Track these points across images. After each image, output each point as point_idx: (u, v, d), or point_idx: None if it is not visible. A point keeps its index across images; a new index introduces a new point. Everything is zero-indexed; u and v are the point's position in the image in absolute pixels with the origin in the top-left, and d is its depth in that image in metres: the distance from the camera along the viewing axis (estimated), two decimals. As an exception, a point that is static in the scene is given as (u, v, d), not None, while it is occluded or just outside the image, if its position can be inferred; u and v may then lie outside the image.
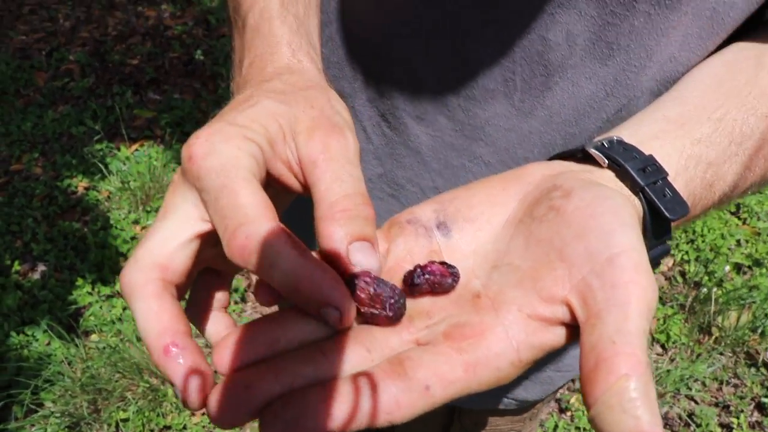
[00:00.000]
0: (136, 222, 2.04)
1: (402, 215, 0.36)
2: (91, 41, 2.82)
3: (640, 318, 0.28)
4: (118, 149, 2.26)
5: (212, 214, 0.32)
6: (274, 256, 0.30)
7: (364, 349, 0.31)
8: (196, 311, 0.37)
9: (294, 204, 0.44)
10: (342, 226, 0.32)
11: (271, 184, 0.36)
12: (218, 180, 0.31)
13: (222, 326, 0.36)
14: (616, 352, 0.27)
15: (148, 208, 2.07)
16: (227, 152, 0.32)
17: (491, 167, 0.56)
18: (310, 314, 0.31)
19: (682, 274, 1.96)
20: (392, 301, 0.31)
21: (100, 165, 2.17)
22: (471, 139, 0.55)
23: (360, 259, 0.32)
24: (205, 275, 0.37)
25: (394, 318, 0.32)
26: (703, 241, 2.00)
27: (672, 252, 2.01)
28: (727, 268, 1.93)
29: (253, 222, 0.30)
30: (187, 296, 0.38)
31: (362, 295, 0.31)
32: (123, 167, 2.18)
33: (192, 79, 2.60)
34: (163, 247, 0.32)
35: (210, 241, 0.34)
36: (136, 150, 2.26)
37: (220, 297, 0.37)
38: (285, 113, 0.36)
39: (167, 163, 2.18)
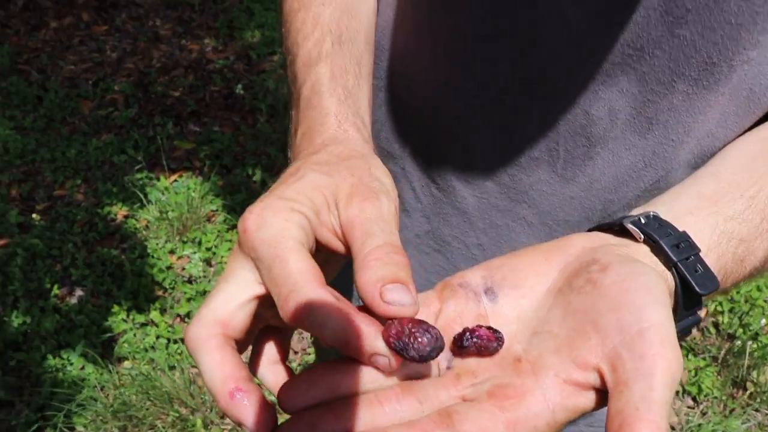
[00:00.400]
0: (172, 252, 2.10)
1: (454, 278, 0.40)
2: (136, 72, 2.94)
3: (664, 389, 0.31)
4: (158, 179, 2.34)
5: (267, 282, 0.36)
6: (323, 317, 0.34)
7: (416, 401, 0.34)
8: (258, 364, 0.41)
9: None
10: (375, 271, 0.35)
11: (321, 250, 0.40)
12: (270, 251, 0.36)
13: (281, 377, 0.40)
14: (639, 418, 0.30)
15: (185, 239, 2.13)
16: (277, 225, 0.37)
17: (533, 227, 0.60)
18: (363, 363, 0.35)
19: (716, 325, 1.95)
20: (412, 355, 0.34)
21: (140, 194, 2.25)
22: (515, 201, 0.59)
23: (394, 298, 0.34)
24: (266, 332, 0.42)
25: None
26: (737, 293, 1.99)
27: (705, 302, 2.00)
28: (764, 321, 1.92)
29: (302, 288, 0.34)
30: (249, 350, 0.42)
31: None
32: (162, 197, 2.26)
33: (231, 113, 2.69)
34: (225, 306, 0.37)
35: (266, 303, 0.38)
36: (175, 181, 2.34)
37: (279, 351, 0.41)
38: (328, 184, 0.40)
39: (205, 195, 2.25)
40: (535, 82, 0.52)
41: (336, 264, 0.44)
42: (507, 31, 0.52)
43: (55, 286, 2.00)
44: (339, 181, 0.40)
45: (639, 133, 0.52)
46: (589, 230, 0.44)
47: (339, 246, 0.39)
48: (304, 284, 0.34)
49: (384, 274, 0.35)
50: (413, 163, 0.64)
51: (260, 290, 0.37)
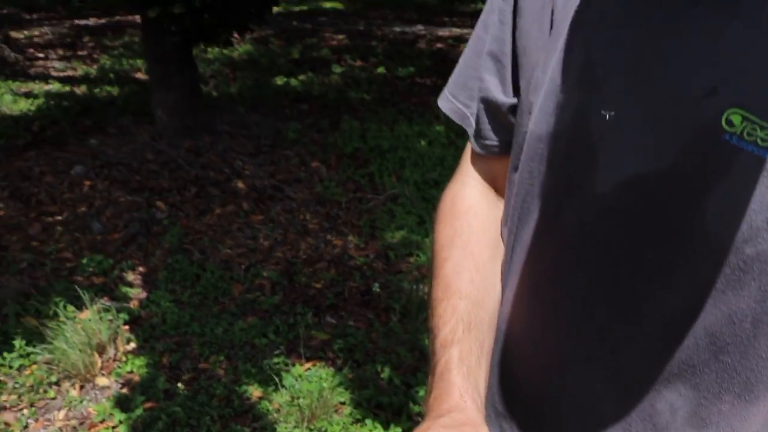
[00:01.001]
0: (299, 438, 2.33)
1: None
2: (284, 261, 3.39)
3: None
4: (293, 365, 2.64)
5: None
6: None
7: None
8: None
9: None
10: None
11: None
12: None
13: None
14: None
15: (312, 427, 2.36)
16: None
17: None
18: None
19: None
20: None
21: (275, 378, 2.54)
22: None
23: None
24: None
25: None
26: None
27: None
28: None
29: None
30: None
31: None
32: (295, 383, 2.54)
33: (367, 309, 3.02)
34: None
35: None
36: (309, 369, 2.63)
37: None
38: None
39: (335, 387, 2.51)
40: (613, 383, 0.74)
41: None
42: (605, 352, 0.74)
43: (189, 456, 2.26)
44: None
45: (696, 428, 0.71)
46: None
47: None
48: None
49: None
50: (519, 427, 0.86)
51: None
